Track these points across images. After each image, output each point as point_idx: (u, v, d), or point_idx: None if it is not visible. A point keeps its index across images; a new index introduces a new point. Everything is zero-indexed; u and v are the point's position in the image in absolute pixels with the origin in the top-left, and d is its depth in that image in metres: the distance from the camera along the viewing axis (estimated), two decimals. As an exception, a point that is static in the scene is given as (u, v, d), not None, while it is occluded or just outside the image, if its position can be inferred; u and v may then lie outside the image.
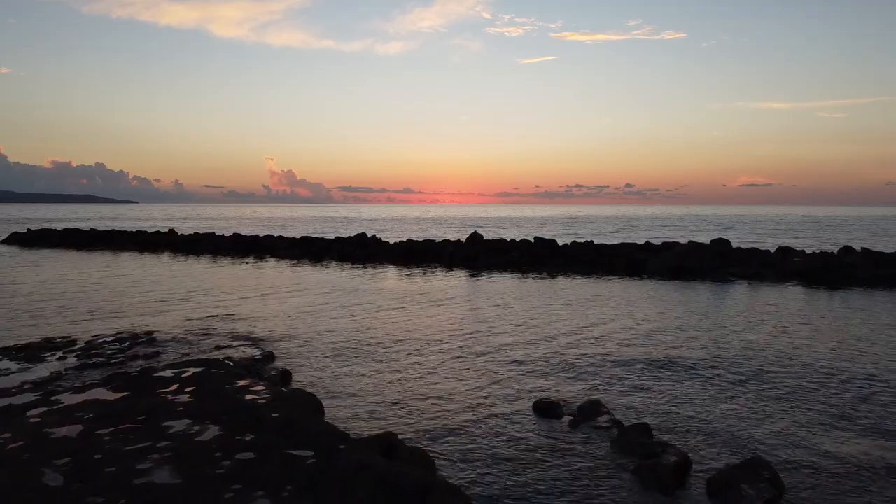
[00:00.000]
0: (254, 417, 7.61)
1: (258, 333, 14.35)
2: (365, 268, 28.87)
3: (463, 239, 34.23)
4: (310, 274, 26.43)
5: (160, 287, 22.44)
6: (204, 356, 11.82)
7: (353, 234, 36.62)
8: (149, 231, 43.01)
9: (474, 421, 8.69)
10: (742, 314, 17.95)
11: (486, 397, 9.77)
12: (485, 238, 33.73)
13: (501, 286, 23.56)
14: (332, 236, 48.27)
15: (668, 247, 28.95)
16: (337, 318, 16.62)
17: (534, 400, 9.43)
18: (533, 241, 31.47)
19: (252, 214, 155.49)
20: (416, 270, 28.62)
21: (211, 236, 39.34)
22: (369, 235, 35.67)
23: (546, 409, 9.09)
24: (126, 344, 13.00)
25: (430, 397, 9.74)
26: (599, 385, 10.57)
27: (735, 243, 45.30)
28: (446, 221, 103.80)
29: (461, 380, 10.74)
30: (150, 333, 14.01)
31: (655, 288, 23.22)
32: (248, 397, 8.50)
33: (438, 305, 18.70)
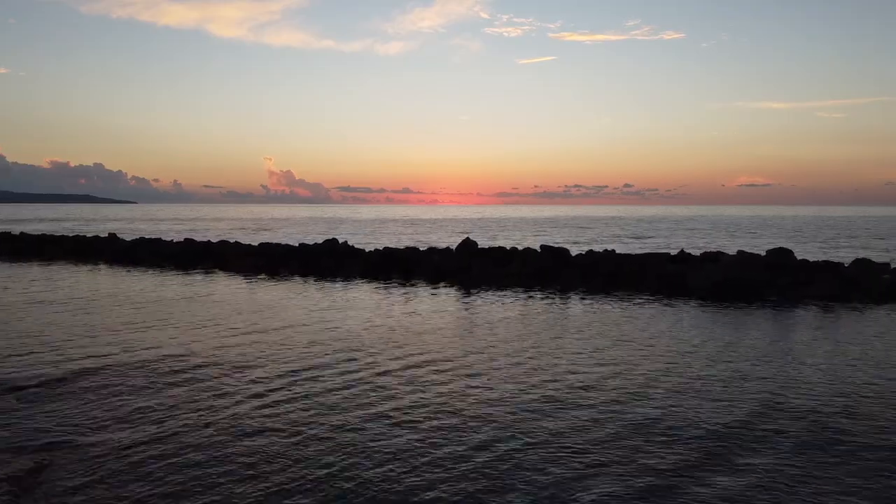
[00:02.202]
0: None
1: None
2: (330, 281, 22.91)
3: (454, 246, 28.17)
4: (252, 293, 20.43)
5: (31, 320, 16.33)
6: None
7: (320, 241, 30.58)
8: (88, 236, 36.95)
9: None
10: (843, 352, 12.04)
11: None
12: (480, 245, 27.72)
13: (497, 311, 17.61)
14: (320, 239, 42.24)
15: (712, 257, 22.94)
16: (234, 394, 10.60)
17: None
18: (539, 249, 25.48)
19: (248, 214, 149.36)
20: (393, 286, 22.69)
21: (154, 243, 33.28)
22: (340, 241, 29.65)
23: None
24: None
25: None
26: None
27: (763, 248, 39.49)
28: (443, 223, 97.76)
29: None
30: None
31: (702, 312, 17.28)
32: None
33: (398, 348, 12.65)
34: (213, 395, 9.64)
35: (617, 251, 25.30)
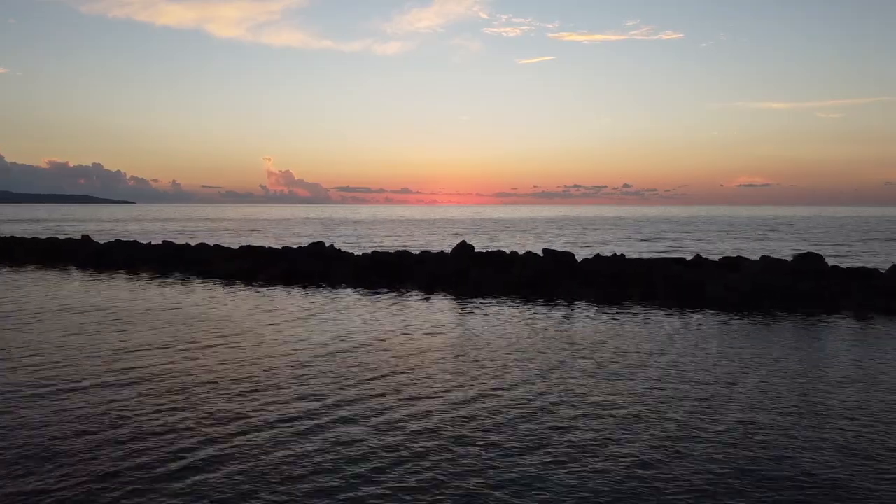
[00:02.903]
0: None
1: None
2: (313, 289, 20.83)
3: (451, 248, 26.08)
4: (219, 302, 18.32)
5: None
6: None
7: (311, 243, 28.47)
8: (61, 238, 34.83)
9: None
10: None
11: None
12: (478, 249, 25.66)
13: (495, 323, 15.59)
14: (310, 241, 40.30)
15: (731, 263, 20.84)
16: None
17: None
18: (542, 254, 23.41)
19: (243, 215, 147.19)
20: (381, 294, 20.63)
21: (129, 246, 31.18)
22: (328, 244, 27.55)
23: None
24: None
25: None
26: None
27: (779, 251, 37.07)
28: (440, 223, 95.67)
29: None
30: None
31: (727, 325, 15.26)
32: None
33: (370, 376, 10.55)
34: (139, 434, 7.56)
35: (626, 255, 23.23)
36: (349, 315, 16.93)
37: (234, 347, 13.00)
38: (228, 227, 74.93)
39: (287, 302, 19.15)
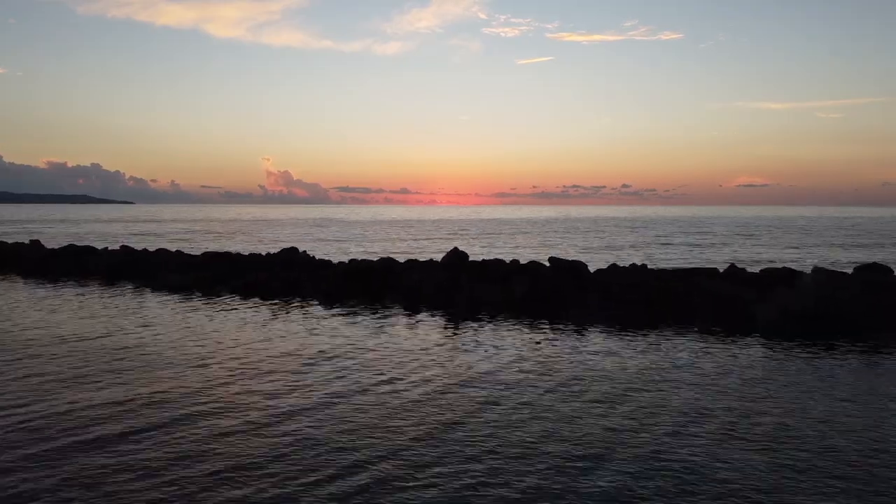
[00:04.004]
0: None
1: None
2: (277, 303, 17.25)
3: (444, 254, 22.44)
4: (144, 321, 14.65)
5: None
6: None
7: (277, 250, 24.86)
8: (9, 242, 31.22)
9: None
10: None
11: None
12: (473, 257, 22.13)
13: (493, 359, 12.02)
14: (289, 245, 36.75)
15: (781, 277, 17.23)
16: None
17: None
18: (548, 263, 19.88)
19: (237, 215, 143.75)
20: (356, 311, 17.11)
21: (81, 252, 27.60)
22: (309, 249, 23.97)
23: None
24: None
25: None
26: None
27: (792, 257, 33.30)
28: (437, 224, 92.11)
29: None
30: None
31: (794, 360, 11.67)
32: None
33: (316, 464, 6.94)
34: None
35: (646, 265, 19.67)
36: (305, 340, 13.34)
37: (119, 384, 9.43)
38: (213, 230, 71.35)
39: (237, 320, 15.57)
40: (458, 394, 9.93)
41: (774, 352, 12.74)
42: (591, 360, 12.13)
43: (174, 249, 27.63)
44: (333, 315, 16.99)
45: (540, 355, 12.47)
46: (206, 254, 25.34)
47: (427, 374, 11.14)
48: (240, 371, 11.27)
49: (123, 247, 28.58)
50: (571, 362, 11.93)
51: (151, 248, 28.48)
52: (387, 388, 10.25)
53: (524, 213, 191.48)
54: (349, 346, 13.24)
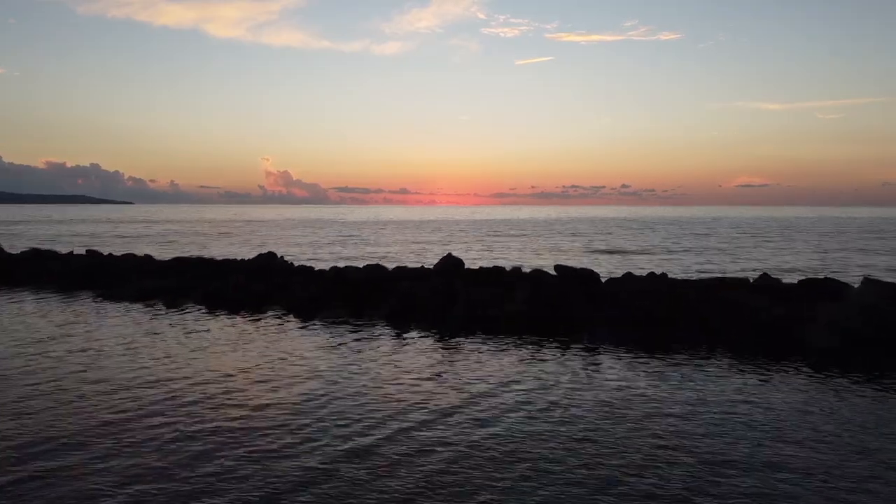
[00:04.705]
0: None
1: None
2: (244, 317, 14.94)
3: (438, 259, 20.09)
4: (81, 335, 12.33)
5: None
6: None
7: (283, 252, 22.51)
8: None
9: None
10: None
11: None
12: (470, 265, 19.86)
13: (490, 380, 9.74)
14: (276, 248, 34.50)
15: (826, 289, 14.91)
16: None
17: None
18: (554, 271, 17.62)
19: (232, 216, 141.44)
20: (335, 327, 14.84)
21: (41, 258, 25.28)
22: (278, 255, 21.65)
23: None
24: None
25: None
26: None
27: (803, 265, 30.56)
28: (434, 225, 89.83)
29: None
30: None
31: (858, 395, 9.39)
32: None
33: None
34: None
35: (665, 273, 17.38)
36: (270, 360, 11.03)
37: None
38: (201, 231, 69.03)
39: (198, 337, 13.26)
40: (449, 427, 7.64)
41: (830, 382, 10.47)
42: (605, 389, 9.86)
43: (146, 253, 25.31)
44: (308, 331, 14.72)
45: (544, 381, 10.19)
46: (177, 259, 23.04)
47: (416, 403, 8.85)
48: (178, 396, 8.98)
49: (90, 251, 26.31)
50: (580, 391, 9.68)
51: (127, 252, 26.17)
52: (370, 422, 7.97)
53: (524, 214, 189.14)
54: (324, 369, 10.97)
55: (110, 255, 24.73)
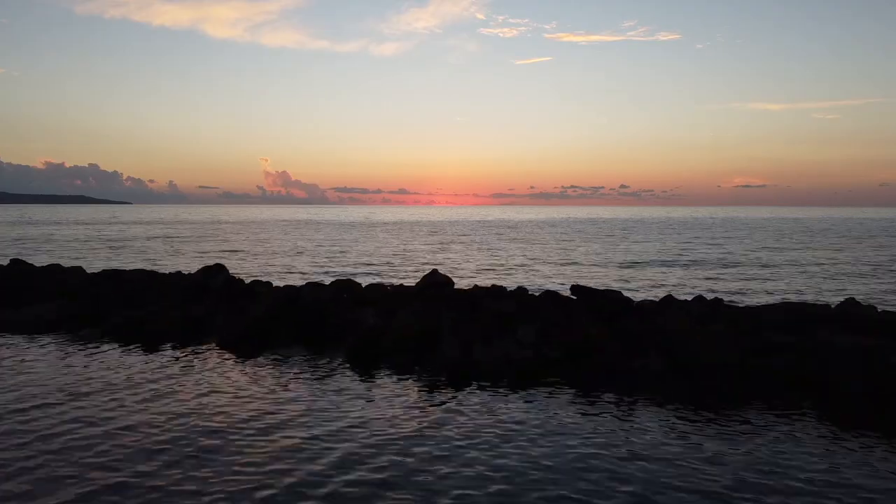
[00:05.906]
0: None
1: None
2: (164, 352, 10.75)
3: (424, 272, 15.78)
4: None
5: None
6: None
7: (203, 265, 18.26)
8: None
9: None
10: None
11: None
12: (461, 284, 15.68)
13: (491, 450, 5.59)
14: (263, 250, 30.75)
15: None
16: None
17: None
18: (571, 293, 13.45)
19: (228, 216, 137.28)
20: (286, 369, 10.78)
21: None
22: (225, 268, 17.42)
23: None
24: None
25: None
26: None
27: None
28: (431, 226, 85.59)
29: None
30: None
31: None
32: None
33: None
34: None
35: (720, 299, 13.16)
36: (184, 413, 6.82)
37: None
38: (173, 234, 64.73)
39: (98, 378, 9.05)
40: None
41: None
42: (653, 462, 5.69)
43: (77, 265, 21.05)
44: (246, 372, 10.61)
45: (560, 452, 6.01)
46: (104, 272, 18.79)
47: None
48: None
49: (14, 260, 22.06)
50: (612, 463, 5.55)
51: (53, 263, 21.96)
52: None
53: (524, 215, 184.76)
54: (262, 424, 6.85)
55: (31, 266, 20.42)
